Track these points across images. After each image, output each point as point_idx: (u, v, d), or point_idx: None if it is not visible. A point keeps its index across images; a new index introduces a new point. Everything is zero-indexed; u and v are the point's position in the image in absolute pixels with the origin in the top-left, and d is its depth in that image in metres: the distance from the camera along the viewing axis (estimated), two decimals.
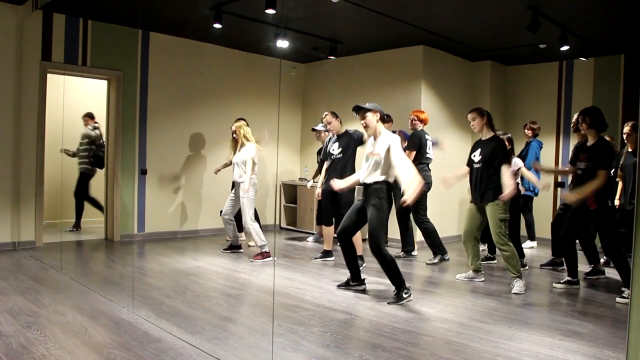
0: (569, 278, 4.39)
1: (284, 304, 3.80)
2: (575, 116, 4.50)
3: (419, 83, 6.49)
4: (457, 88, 7.05)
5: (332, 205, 5.23)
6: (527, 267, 5.12)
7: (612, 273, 4.64)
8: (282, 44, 6.64)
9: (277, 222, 7.62)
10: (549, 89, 6.88)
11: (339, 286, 4.27)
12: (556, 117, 6.80)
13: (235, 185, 5.55)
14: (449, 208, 6.79)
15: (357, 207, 4.06)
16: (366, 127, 3.99)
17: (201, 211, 6.93)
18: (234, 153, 5.55)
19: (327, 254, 5.48)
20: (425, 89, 6.54)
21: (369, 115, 3.95)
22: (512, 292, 4.20)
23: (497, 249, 4.50)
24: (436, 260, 5.38)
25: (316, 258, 5.46)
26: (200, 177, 6.90)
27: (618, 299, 4.00)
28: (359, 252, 5.17)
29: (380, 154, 3.89)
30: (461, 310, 3.79)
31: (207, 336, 3.11)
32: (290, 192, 7.63)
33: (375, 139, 4.00)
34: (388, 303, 3.84)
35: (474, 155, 4.48)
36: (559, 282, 4.44)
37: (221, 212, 5.61)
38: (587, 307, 3.97)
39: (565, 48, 5.59)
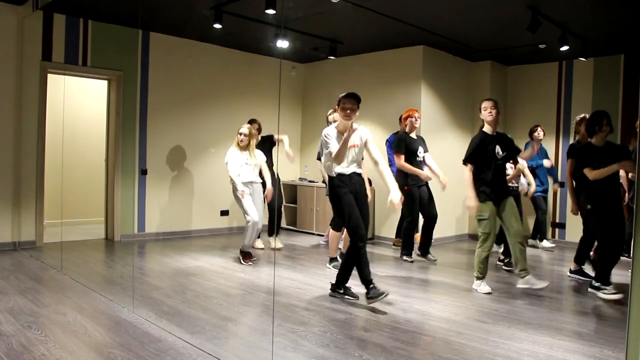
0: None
1: (284, 304, 3.80)
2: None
3: (419, 83, 6.49)
4: (457, 88, 7.05)
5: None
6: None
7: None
8: (282, 44, 6.64)
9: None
10: (549, 89, 6.88)
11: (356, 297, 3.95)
12: (556, 117, 6.80)
13: (249, 185, 5.26)
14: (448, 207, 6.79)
15: (354, 201, 3.89)
16: (350, 118, 3.82)
17: (201, 211, 6.93)
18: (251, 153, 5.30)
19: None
20: (425, 89, 6.54)
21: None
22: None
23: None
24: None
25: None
26: (200, 177, 6.90)
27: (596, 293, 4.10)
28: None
29: (359, 145, 3.93)
30: (461, 310, 3.79)
31: (207, 336, 3.11)
32: (291, 192, 7.63)
33: (349, 131, 3.84)
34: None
35: (497, 152, 4.29)
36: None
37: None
38: (587, 307, 3.97)
39: (565, 48, 5.60)
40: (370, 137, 3.98)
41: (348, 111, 3.79)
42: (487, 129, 4.36)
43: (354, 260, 3.87)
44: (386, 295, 3.72)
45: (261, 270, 4.98)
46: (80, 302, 3.72)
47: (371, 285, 3.76)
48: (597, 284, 4.16)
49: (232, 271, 4.90)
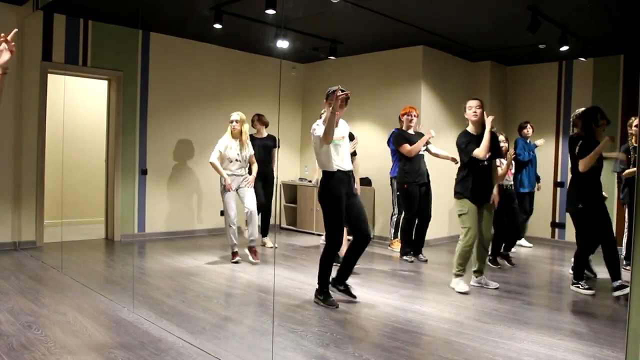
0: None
1: (284, 304, 3.80)
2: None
3: (419, 83, 6.50)
4: (457, 88, 7.05)
5: None
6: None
7: (603, 272, 4.63)
8: (282, 44, 6.65)
9: (277, 222, 7.62)
10: (549, 89, 6.88)
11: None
12: (556, 118, 6.80)
13: (234, 181, 5.28)
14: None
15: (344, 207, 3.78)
16: (341, 110, 3.70)
17: (201, 211, 6.93)
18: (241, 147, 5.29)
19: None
20: (425, 89, 6.54)
21: None
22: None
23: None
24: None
25: None
26: (200, 176, 6.90)
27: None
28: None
29: (346, 138, 3.87)
30: (461, 310, 3.79)
31: (208, 336, 3.11)
32: (291, 192, 7.64)
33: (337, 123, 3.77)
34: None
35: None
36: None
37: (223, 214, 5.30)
38: (587, 307, 3.97)
39: (564, 48, 5.60)
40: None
41: (342, 102, 3.63)
42: (470, 129, 4.28)
43: (331, 264, 3.79)
44: (332, 306, 3.70)
45: (261, 270, 4.98)
46: (80, 302, 3.73)
47: (325, 290, 3.78)
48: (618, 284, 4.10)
49: (232, 271, 4.90)
